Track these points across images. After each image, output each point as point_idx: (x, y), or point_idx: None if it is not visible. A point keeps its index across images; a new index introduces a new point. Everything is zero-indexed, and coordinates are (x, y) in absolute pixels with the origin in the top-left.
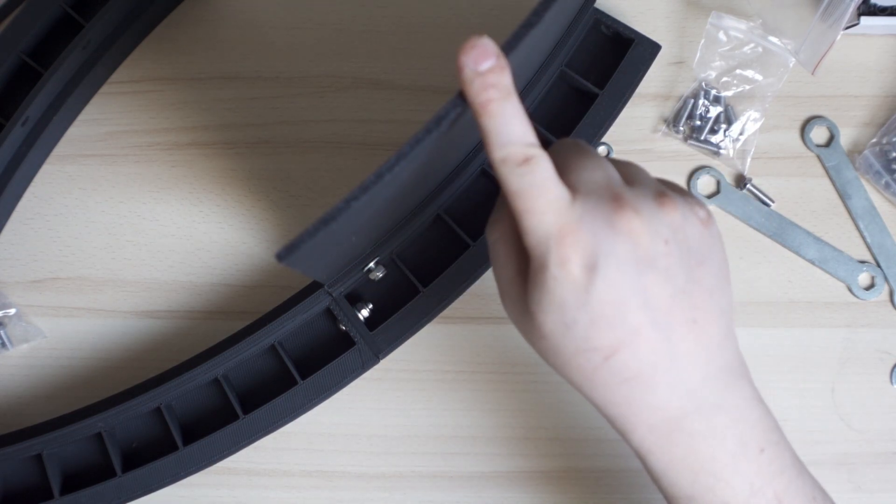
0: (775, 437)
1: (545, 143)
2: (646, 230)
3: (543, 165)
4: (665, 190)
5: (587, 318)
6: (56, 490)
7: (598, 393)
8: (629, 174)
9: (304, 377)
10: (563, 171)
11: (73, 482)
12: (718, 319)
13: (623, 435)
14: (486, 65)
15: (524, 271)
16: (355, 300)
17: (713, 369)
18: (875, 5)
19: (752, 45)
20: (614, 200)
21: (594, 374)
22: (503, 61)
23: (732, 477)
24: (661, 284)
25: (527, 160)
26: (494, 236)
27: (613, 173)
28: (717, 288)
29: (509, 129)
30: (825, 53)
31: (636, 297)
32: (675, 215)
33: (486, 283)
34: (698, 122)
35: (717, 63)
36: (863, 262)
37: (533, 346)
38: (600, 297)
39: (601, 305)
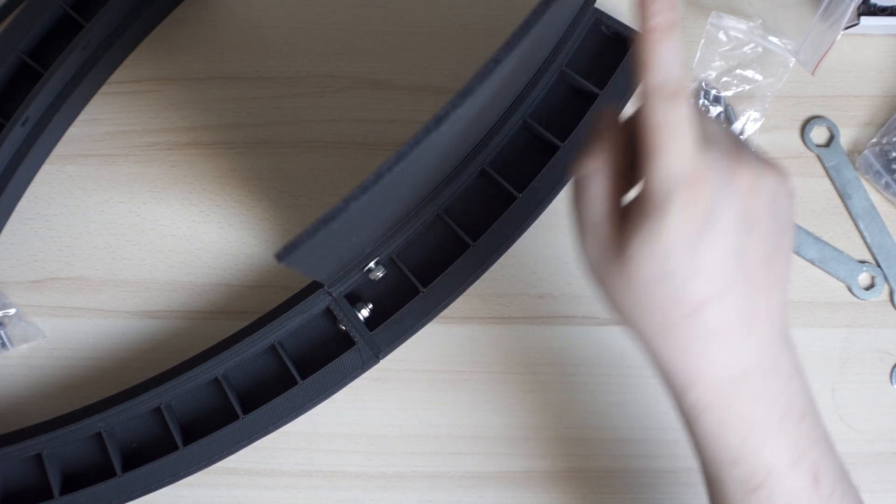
0: (812, 409)
1: (548, 145)
2: (756, 191)
3: (688, 106)
4: (764, 157)
5: (690, 268)
6: (56, 490)
7: (670, 346)
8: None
9: (304, 377)
10: (700, 118)
11: (72, 482)
12: (784, 286)
13: (679, 391)
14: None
15: (617, 212)
16: (355, 300)
17: (775, 332)
18: (875, 5)
19: (752, 45)
20: (735, 156)
21: (673, 328)
22: (676, 2)
23: (779, 439)
24: (756, 246)
25: (678, 94)
26: (593, 167)
27: (728, 130)
28: (789, 258)
29: (671, 61)
30: (825, 53)
31: (737, 254)
32: (776, 182)
33: (487, 283)
34: None
35: (717, 63)
36: (863, 262)
37: (608, 294)
38: (709, 249)
39: (707, 258)
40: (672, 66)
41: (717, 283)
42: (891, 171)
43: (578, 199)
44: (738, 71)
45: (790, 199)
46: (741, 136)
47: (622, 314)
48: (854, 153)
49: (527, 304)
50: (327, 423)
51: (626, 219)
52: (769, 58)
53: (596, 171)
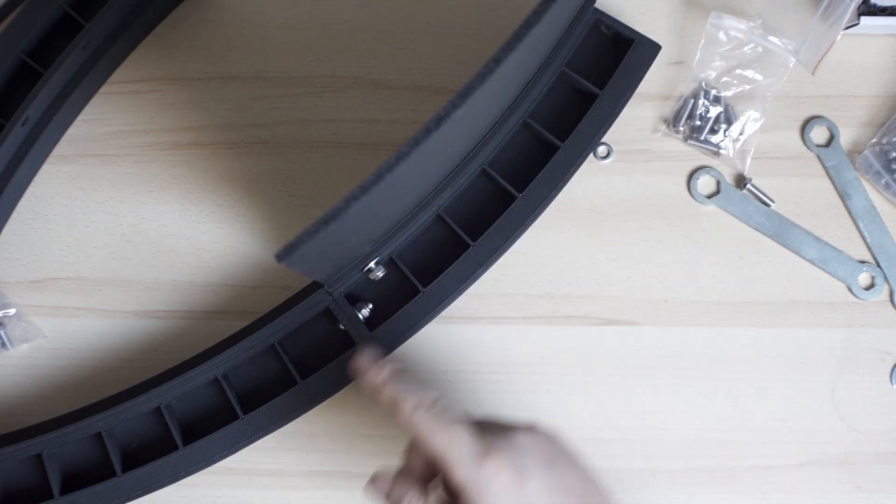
0: None
1: (548, 145)
2: (539, 445)
3: (445, 414)
4: (532, 424)
5: None
6: (56, 490)
7: None
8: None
9: (304, 377)
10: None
11: (72, 482)
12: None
13: None
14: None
15: None
16: (355, 300)
17: None
18: (875, 5)
19: (752, 45)
20: (508, 432)
21: None
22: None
23: None
24: (570, 474)
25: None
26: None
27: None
28: (576, 481)
29: (408, 395)
30: (825, 53)
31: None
32: (548, 433)
33: (486, 283)
34: (698, 122)
35: (717, 63)
36: (863, 262)
37: None
38: (535, 492)
39: (538, 498)
40: (413, 396)
41: None
42: (891, 171)
43: None
44: (738, 71)
45: (547, 444)
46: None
47: None
48: (854, 153)
49: (527, 304)
50: (327, 424)
51: None
52: (769, 58)
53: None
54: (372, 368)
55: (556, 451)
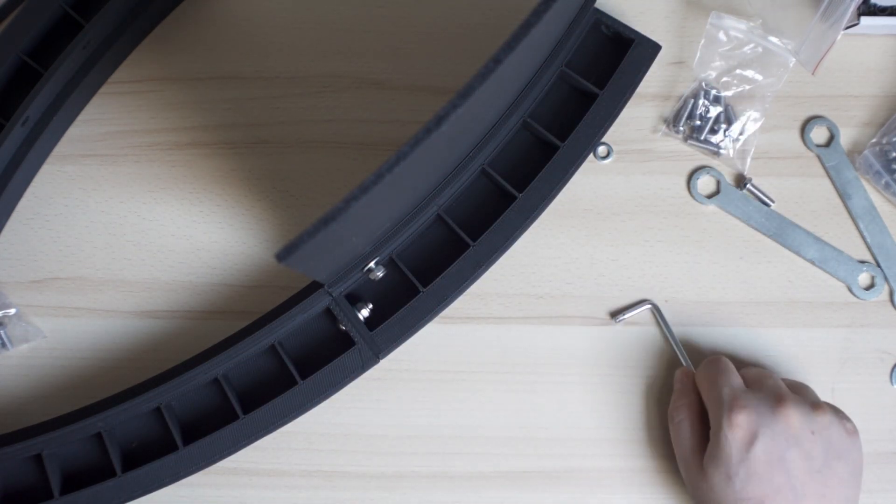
0: None
1: (548, 145)
2: (797, 419)
3: (727, 362)
4: (821, 403)
5: (745, 472)
6: (56, 490)
7: None
8: (797, 388)
9: (304, 377)
10: (746, 378)
11: (72, 482)
12: (841, 500)
13: None
14: None
15: (702, 444)
16: (355, 300)
17: None
18: (875, 5)
19: (752, 45)
20: (777, 399)
21: None
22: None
23: None
24: (801, 459)
25: (717, 360)
26: (680, 416)
27: (781, 383)
28: (848, 481)
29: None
30: (825, 53)
31: (782, 463)
32: (824, 418)
33: (486, 283)
34: (698, 122)
35: (717, 63)
36: (863, 262)
37: (699, 498)
38: (756, 456)
39: (756, 463)
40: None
41: (769, 483)
42: (891, 171)
43: (675, 438)
44: (738, 71)
45: (846, 433)
46: (807, 388)
47: None
48: (854, 153)
49: (527, 304)
50: (327, 423)
51: (706, 447)
52: (769, 58)
53: (683, 419)
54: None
55: (819, 437)
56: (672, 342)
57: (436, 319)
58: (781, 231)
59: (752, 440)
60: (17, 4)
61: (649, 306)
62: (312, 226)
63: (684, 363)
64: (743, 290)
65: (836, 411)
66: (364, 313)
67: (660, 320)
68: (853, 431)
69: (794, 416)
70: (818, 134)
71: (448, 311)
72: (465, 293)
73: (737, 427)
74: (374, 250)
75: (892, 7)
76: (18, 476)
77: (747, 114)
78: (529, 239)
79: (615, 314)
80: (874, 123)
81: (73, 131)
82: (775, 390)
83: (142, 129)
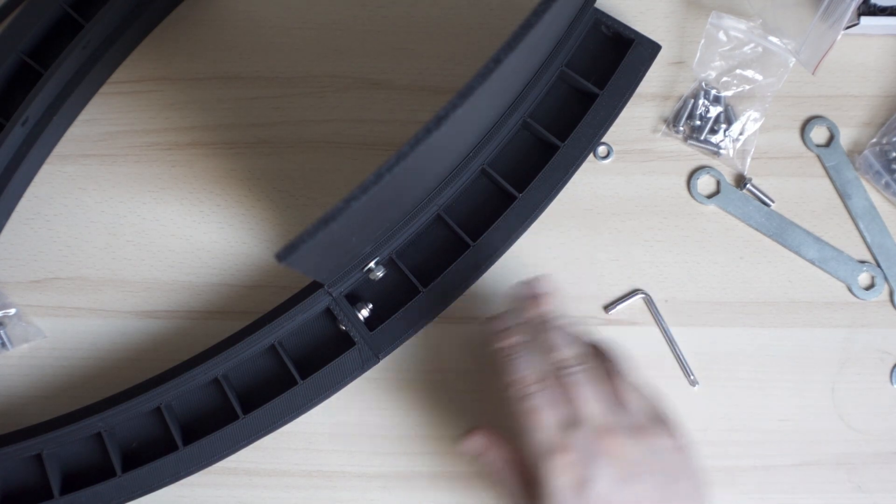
0: None
1: (548, 145)
2: (626, 452)
3: (552, 390)
4: (645, 424)
5: None
6: (56, 490)
7: None
8: (624, 398)
9: (304, 377)
10: (566, 400)
11: (73, 482)
12: None
13: None
14: (539, 289)
15: (529, 492)
16: (355, 300)
17: None
18: (875, 5)
19: (752, 45)
20: (600, 432)
21: None
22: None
23: None
24: (646, 493)
25: (529, 392)
26: (500, 463)
27: (602, 403)
28: (693, 495)
29: (518, 370)
30: (825, 53)
31: (622, 501)
32: (653, 441)
33: (486, 283)
34: (698, 122)
35: (717, 63)
36: (863, 262)
37: None
38: (593, 502)
39: None
40: (520, 371)
41: None
42: (891, 171)
43: (498, 487)
44: (738, 71)
45: (681, 453)
46: (638, 395)
47: None
48: (854, 153)
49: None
50: (327, 423)
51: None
52: (769, 58)
53: (504, 465)
54: (501, 334)
55: (654, 464)
56: (666, 335)
57: (436, 319)
58: (781, 231)
59: (584, 485)
60: (17, 4)
61: (642, 296)
62: (312, 226)
63: (681, 360)
64: (743, 290)
65: (660, 423)
66: (364, 313)
67: (651, 310)
68: (683, 447)
69: (621, 449)
70: (818, 134)
71: (448, 311)
72: (465, 293)
73: (564, 473)
74: (374, 250)
75: (892, 7)
76: (18, 476)
77: (747, 114)
78: (529, 239)
79: (608, 306)
80: (874, 123)
81: (73, 131)
82: (599, 416)
83: (142, 129)
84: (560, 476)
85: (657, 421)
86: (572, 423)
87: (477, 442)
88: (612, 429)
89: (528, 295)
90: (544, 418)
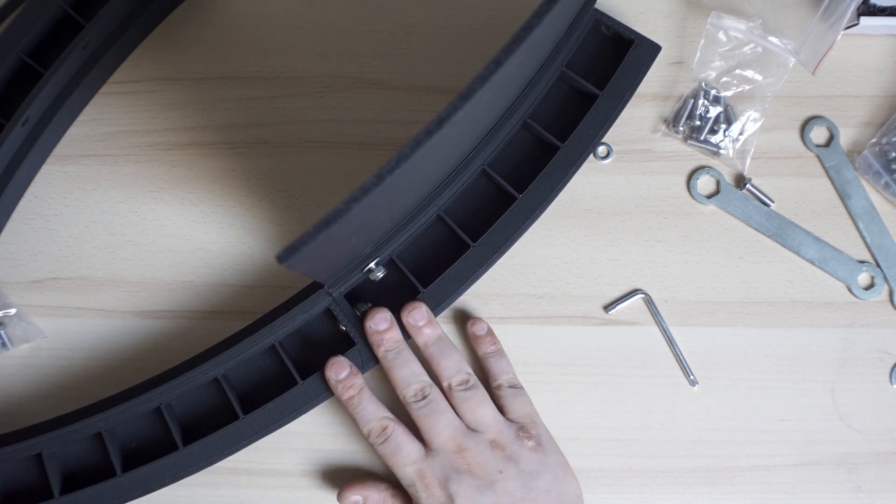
0: None
1: (548, 146)
2: (481, 465)
3: (398, 432)
4: (500, 432)
5: None
6: (56, 490)
7: None
8: (475, 421)
9: (303, 377)
10: (422, 430)
11: (73, 482)
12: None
13: None
14: (342, 374)
15: None
16: (355, 300)
17: None
18: (875, 5)
19: (752, 45)
20: (457, 451)
21: None
22: (354, 369)
23: None
24: (508, 493)
25: (384, 429)
26: (388, 502)
27: (457, 427)
28: (554, 490)
29: (367, 411)
30: (825, 53)
31: None
32: (505, 450)
33: (486, 283)
34: (698, 122)
35: (717, 63)
36: (863, 262)
37: None
38: None
39: None
40: (371, 412)
41: None
42: (890, 171)
43: None
44: (738, 71)
45: (532, 452)
46: (484, 414)
47: None
48: (854, 153)
49: (526, 304)
50: (327, 423)
51: None
52: (769, 58)
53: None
54: (341, 384)
55: (509, 470)
56: (665, 335)
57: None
58: (781, 231)
59: (449, 502)
60: (18, 4)
61: (642, 296)
62: (313, 228)
63: (681, 360)
64: (743, 290)
65: (512, 433)
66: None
67: (651, 310)
68: (537, 447)
69: (476, 461)
70: (818, 134)
71: (448, 311)
72: (465, 293)
73: (430, 499)
74: (374, 251)
75: (891, 7)
76: (18, 476)
77: (747, 114)
78: (529, 239)
79: (608, 306)
80: (874, 123)
81: (73, 131)
82: (452, 439)
83: (142, 129)
84: (429, 500)
85: (510, 427)
86: (429, 451)
87: (352, 499)
88: (465, 447)
89: (373, 331)
90: (403, 456)
